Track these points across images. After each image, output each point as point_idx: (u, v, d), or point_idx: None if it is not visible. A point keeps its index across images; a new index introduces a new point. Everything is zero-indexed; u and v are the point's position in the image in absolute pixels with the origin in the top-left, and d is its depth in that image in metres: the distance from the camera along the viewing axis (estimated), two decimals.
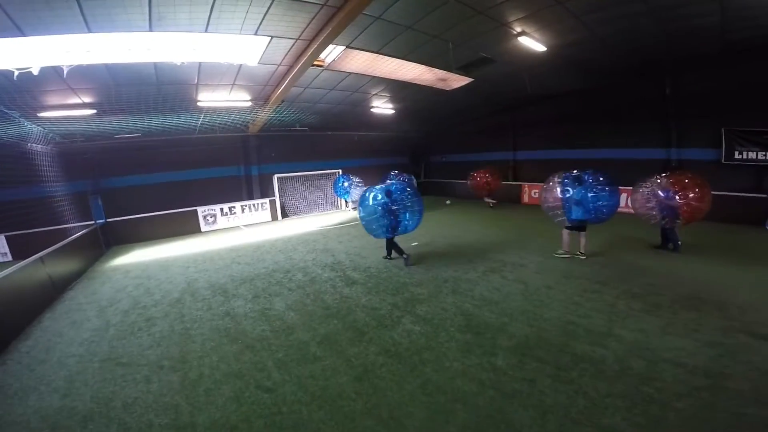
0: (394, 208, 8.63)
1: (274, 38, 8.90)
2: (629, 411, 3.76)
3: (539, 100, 17.23)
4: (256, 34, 8.51)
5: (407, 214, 8.78)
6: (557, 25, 9.62)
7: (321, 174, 19.06)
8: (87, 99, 10.68)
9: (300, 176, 18.49)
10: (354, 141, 21.00)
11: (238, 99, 12.80)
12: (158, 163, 15.43)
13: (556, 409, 3.83)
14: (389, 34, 9.68)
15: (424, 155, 25.22)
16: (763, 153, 12.37)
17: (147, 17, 7.19)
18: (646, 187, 9.19)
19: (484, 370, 4.64)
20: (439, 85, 14.26)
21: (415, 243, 11.31)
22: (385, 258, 9.78)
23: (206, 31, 8.02)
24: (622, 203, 10.71)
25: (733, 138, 12.94)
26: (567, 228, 8.99)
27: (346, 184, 17.62)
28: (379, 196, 8.68)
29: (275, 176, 17.30)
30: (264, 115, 14.35)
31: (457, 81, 13.67)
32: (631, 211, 10.22)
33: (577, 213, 8.55)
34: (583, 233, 8.98)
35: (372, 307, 6.75)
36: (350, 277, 8.49)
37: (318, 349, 5.34)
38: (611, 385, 4.19)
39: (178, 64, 9.00)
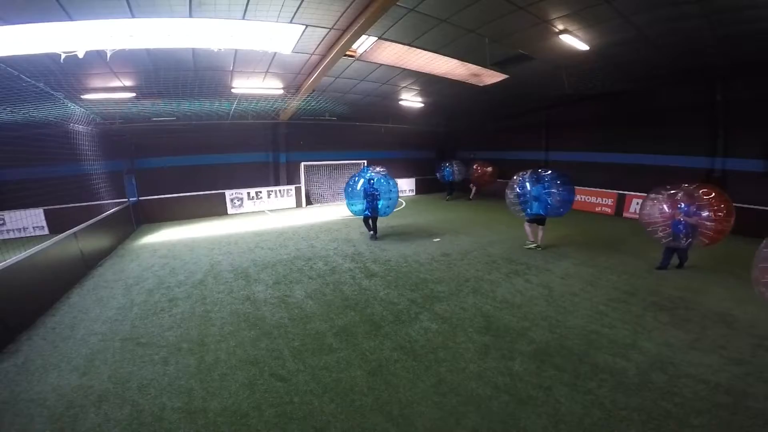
0: (375, 193, 10.67)
1: (309, 27, 8.92)
2: (644, 425, 3.64)
3: (577, 100, 16.58)
4: (291, 22, 8.56)
5: (382, 201, 10.81)
6: (603, 25, 9.22)
7: (347, 164, 19.12)
8: (128, 82, 11.04)
9: (326, 165, 18.66)
10: (380, 133, 20.93)
11: (271, 87, 12.95)
12: (190, 146, 15.85)
13: (570, 419, 3.75)
14: (423, 27, 9.53)
15: (451, 150, 24.87)
16: None
17: (188, 3, 7.32)
18: (662, 197, 8.05)
19: (501, 374, 4.56)
20: (472, 81, 14.01)
21: (437, 239, 11.23)
22: (372, 237, 11.22)
23: (244, 18, 8.12)
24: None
25: None
26: (527, 221, 9.86)
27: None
28: (368, 182, 10.69)
29: (302, 164, 17.53)
30: (295, 103, 14.48)
31: (491, 77, 13.41)
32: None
33: (535, 208, 9.46)
34: (541, 227, 9.83)
35: (390, 302, 6.74)
36: (370, 269, 8.51)
37: (334, 341, 5.37)
38: (629, 398, 4.07)
39: (215, 50, 9.17)
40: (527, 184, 9.62)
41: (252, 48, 9.62)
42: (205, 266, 8.87)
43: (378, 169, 14.64)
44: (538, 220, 9.75)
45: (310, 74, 12.03)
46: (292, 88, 13.25)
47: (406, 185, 22.28)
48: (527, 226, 9.99)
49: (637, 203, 14.17)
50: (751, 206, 11.77)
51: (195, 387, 4.34)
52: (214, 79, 11.46)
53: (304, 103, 14.66)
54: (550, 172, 9.74)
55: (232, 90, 12.41)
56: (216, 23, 8.13)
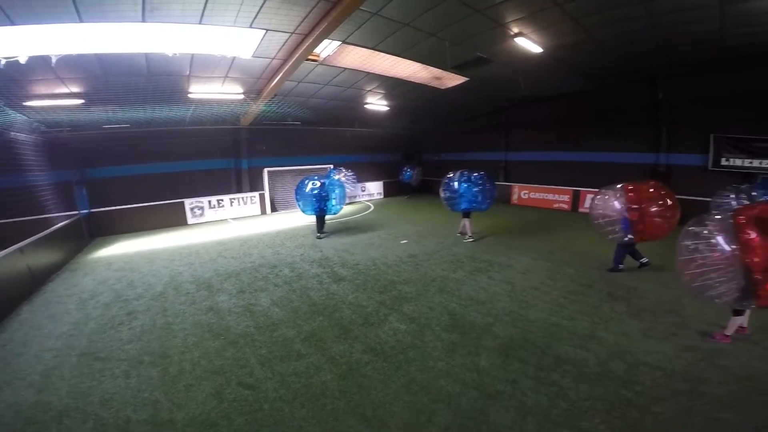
0: (323, 195, 11.59)
1: (269, 31, 8.80)
2: (608, 414, 3.81)
3: (532, 101, 17.31)
4: (251, 26, 8.42)
5: (332, 201, 11.75)
6: (555, 27, 9.64)
7: (312, 169, 18.90)
8: (75, 89, 10.45)
9: (291, 171, 18.36)
10: (346, 137, 20.91)
11: (231, 92, 12.66)
12: (146, 154, 15.17)
13: (537, 411, 3.88)
14: (386, 31, 9.63)
15: (417, 153, 25.20)
16: (750, 160, 12.60)
17: (140, 8, 7.07)
18: (606, 194, 8.25)
19: (468, 370, 4.67)
20: (434, 84, 14.26)
21: (404, 241, 11.35)
22: (318, 235, 12.18)
23: (200, 22, 7.92)
24: None
25: (722, 144, 13.16)
26: (464, 216, 11.26)
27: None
28: (318, 184, 11.61)
29: (265, 170, 17.19)
30: (256, 108, 14.20)
31: (452, 80, 13.69)
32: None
33: (463, 204, 10.84)
34: (467, 219, 11.28)
35: (359, 305, 6.74)
36: (338, 274, 8.48)
37: (302, 346, 5.32)
38: (592, 388, 4.24)
39: (170, 55, 8.87)
40: (455, 184, 10.86)
41: (210, 53, 9.39)
42: (165, 278, 8.55)
43: (344, 171, 14.73)
44: (465, 214, 11.25)
45: (271, 78, 11.85)
46: (253, 92, 13.01)
47: (373, 188, 22.39)
48: (465, 221, 11.37)
49: (591, 199, 15.00)
50: (694, 197, 12.73)
51: (160, 399, 4.24)
52: (168, 84, 11.06)
53: (265, 108, 14.40)
54: (474, 172, 11.02)
55: (189, 95, 12.03)
56: (171, 28, 7.89)
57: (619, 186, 8.02)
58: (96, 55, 8.66)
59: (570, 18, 9.06)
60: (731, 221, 4.69)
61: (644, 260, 8.43)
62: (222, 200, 16.00)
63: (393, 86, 14.72)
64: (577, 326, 5.81)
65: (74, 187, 12.92)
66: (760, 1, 7.82)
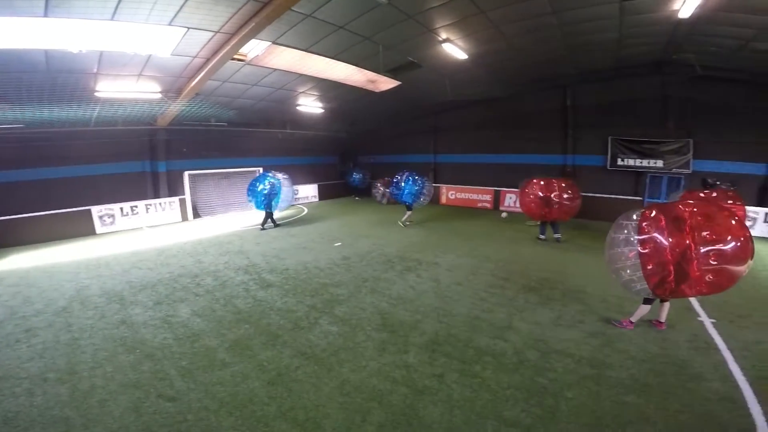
0: (273, 193, 13.44)
1: (191, 30, 8.37)
2: (527, 402, 4.09)
3: (459, 106, 18.25)
4: (170, 24, 7.96)
5: (278, 198, 13.56)
6: (478, 34, 10.30)
7: (240, 172, 18.12)
8: None
9: (215, 174, 17.41)
10: (278, 138, 20.34)
11: (146, 90, 11.76)
12: (45, 157, 13.42)
13: (463, 404, 4.07)
14: (320, 33, 9.59)
15: (353, 156, 25.26)
16: (640, 160, 14.39)
17: (43, 3, 6.45)
18: (530, 189, 11.00)
19: (398, 367, 4.78)
20: (369, 87, 14.47)
21: (338, 243, 11.35)
22: (261, 228, 13.74)
23: (113, 19, 7.36)
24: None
25: (617, 146, 14.93)
26: (408, 209, 13.88)
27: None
28: (267, 184, 13.36)
29: (186, 173, 16.05)
30: (175, 107, 13.34)
31: (386, 83, 13.99)
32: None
33: (407, 198, 13.57)
34: (409, 211, 13.88)
35: (288, 310, 6.61)
36: (266, 280, 8.22)
37: (227, 355, 5.11)
38: (510, 377, 4.54)
39: (75, 52, 8.13)
40: (402, 184, 13.65)
41: (122, 50, 8.71)
42: (69, 292, 7.69)
43: (279, 175, 14.54)
44: (409, 207, 13.86)
45: (192, 77, 11.23)
46: (172, 92, 12.21)
47: (308, 191, 21.88)
48: (408, 213, 14.02)
49: (511, 197, 16.56)
50: (595, 194, 14.66)
51: (72, 415, 3.94)
52: (70, 81, 9.99)
53: (186, 108, 13.58)
54: (416, 175, 13.89)
55: (96, 94, 10.98)
56: (78, 24, 7.23)
57: (534, 181, 10.93)
58: None
59: (492, 26, 9.73)
60: (638, 221, 5.31)
61: (557, 236, 11.24)
62: (136, 207, 14.66)
63: (328, 88, 14.70)
64: (496, 318, 6.20)
65: None
66: (653, 14, 8.94)
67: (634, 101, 14.58)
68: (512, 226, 13.70)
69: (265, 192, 13.37)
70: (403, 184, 13.70)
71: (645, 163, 14.47)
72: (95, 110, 12.10)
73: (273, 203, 13.63)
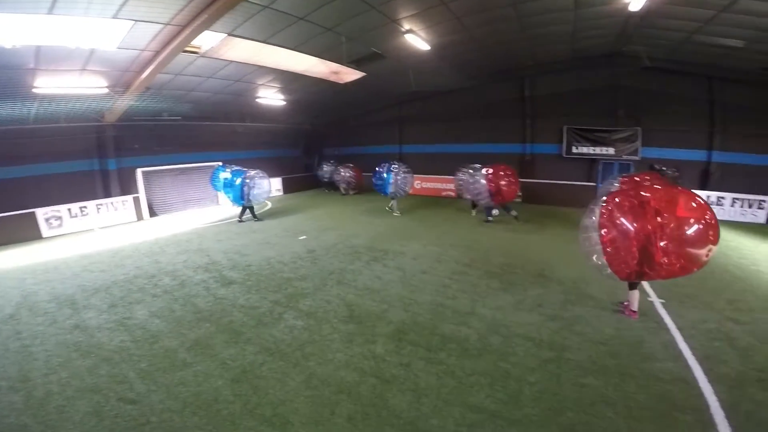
0: (250, 186, 13.33)
1: (139, 22, 7.99)
2: (491, 387, 4.21)
3: (423, 97, 18.43)
4: (115, 17, 7.56)
5: (254, 191, 13.42)
6: (441, 26, 10.38)
7: (198, 167, 17.39)
8: None
9: (171, 170, 16.64)
10: (238, 132, 19.73)
11: (91, 85, 11.09)
12: None
13: (429, 392, 4.15)
14: (279, 24, 9.34)
15: (318, 148, 24.90)
16: (593, 148, 15.11)
17: None
18: (472, 175, 12.36)
19: (366, 358, 4.82)
20: (333, 78, 14.33)
21: (303, 237, 11.24)
22: (239, 221, 14.03)
23: (51, 12, 6.93)
24: None
25: (572, 135, 15.60)
26: (391, 199, 14.43)
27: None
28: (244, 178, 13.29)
29: (139, 170, 15.28)
30: (124, 102, 12.66)
31: (350, 75, 13.93)
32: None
33: (388, 188, 13.98)
34: (394, 201, 14.45)
35: (251, 306, 6.50)
36: (227, 277, 8.02)
37: (188, 355, 4.98)
38: (475, 363, 4.66)
39: (9, 47, 7.63)
40: (384, 174, 13.98)
41: (62, 44, 8.19)
42: (15, 299, 7.20)
43: (252, 172, 14.32)
44: (392, 197, 14.29)
45: (141, 71, 10.70)
46: (120, 86, 11.59)
47: (272, 185, 21.35)
48: (393, 202, 14.60)
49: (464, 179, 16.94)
50: (552, 181, 15.39)
51: (29, 422, 3.79)
52: (2, 78, 9.27)
53: (136, 103, 12.92)
54: (398, 163, 14.40)
55: (34, 90, 10.25)
56: (11, 18, 6.79)
57: (483, 170, 11.95)
58: None
59: (454, 17, 9.83)
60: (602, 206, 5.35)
61: (513, 213, 12.38)
62: (86, 207, 13.83)
63: (289, 80, 14.43)
64: (459, 304, 6.36)
65: None
66: (605, 6, 9.32)
67: (587, 92, 15.28)
68: (476, 215, 14.04)
69: (243, 186, 13.26)
70: (385, 174, 14.02)
71: (598, 150, 15.20)
72: (33, 107, 11.31)
73: (251, 196, 13.48)
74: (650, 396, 4.02)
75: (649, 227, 4.87)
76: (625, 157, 14.88)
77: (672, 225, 4.80)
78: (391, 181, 13.91)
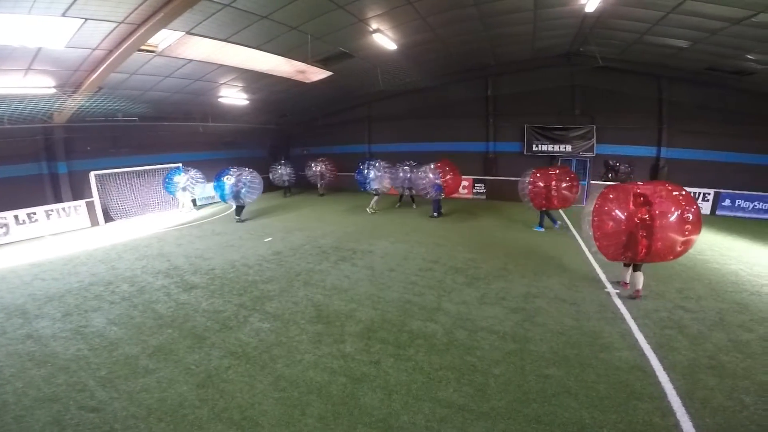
0: (240, 186, 13.42)
1: (90, 20, 7.62)
2: (458, 381, 4.31)
3: (391, 95, 18.54)
4: (64, 15, 7.18)
5: (244, 191, 13.51)
6: (407, 25, 10.51)
7: (156, 169, 16.69)
8: None
9: (127, 173, 15.89)
10: (199, 132, 19.11)
11: (37, 85, 10.45)
12: None
13: (399, 388, 4.21)
14: (240, 23, 9.13)
15: (283, 148, 24.47)
16: (552, 146, 15.72)
17: None
18: (423, 171, 13.24)
19: (335, 357, 4.84)
20: (299, 77, 14.14)
21: (269, 239, 11.10)
22: (238, 219, 14.11)
23: None
24: None
25: (532, 133, 16.17)
26: (375, 195, 14.69)
27: (182, 179, 16.06)
28: (233, 180, 13.34)
29: (92, 173, 14.52)
30: (74, 103, 12.03)
31: (317, 74, 13.81)
32: None
33: (371, 185, 14.48)
34: (376, 197, 14.77)
35: (215, 311, 6.36)
36: (189, 282, 7.81)
37: (150, 362, 4.84)
38: (442, 358, 4.77)
39: None
40: (365, 171, 14.68)
41: (4, 43, 7.74)
42: None
43: (192, 171, 13.72)
44: (375, 193, 14.66)
45: (93, 71, 10.19)
46: (69, 86, 10.98)
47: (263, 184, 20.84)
48: (373, 200, 14.82)
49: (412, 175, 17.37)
50: (514, 178, 15.57)
51: None
52: None
53: (87, 103, 12.30)
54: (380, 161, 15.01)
55: None
56: None
57: (432, 165, 12.97)
58: None
59: (419, 16, 9.97)
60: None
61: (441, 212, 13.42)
62: (34, 213, 13.02)
63: (252, 79, 14.12)
64: (426, 300, 6.49)
65: None
66: (563, 7, 9.74)
67: (546, 91, 15.88)
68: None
69: (234, 188, 13.39)
70: (366, 171, 14.59)
71: (556, 148, 15.80)
72: None
73: (241, 194, 13.55)
74: (610, 385, 4.19)
75: (636, 215, 5.71)
76: (581, 153, 15.56)
77: (658, 212, 5.64)
78: (373, 177, 14.43)
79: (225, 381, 4.40)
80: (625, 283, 6.79)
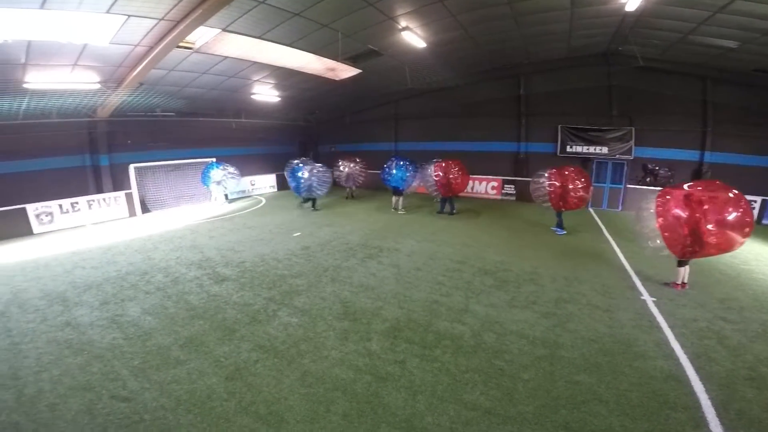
0: (313, 180, 14.21)
1: (132, 17, 7.89)
2: (485, 385, 4.22)
3: (418, 94, 18.45)
4: (108, 12, 7.46)
5: (316, 184, 14.26)
6: (436, 23, 10.40)
7: (191, 163, 17.19)
8: None
9: (164, 166, 16.45)
10: (232, 128, 19.58)
11: (83, 81, 10.95)
12: None
13: (425, 389, 4.15)
14: (274, 20, 9.28)
15: (312, 144, 24.78)
16: (587, 147, 15.21)
17: None
18: (427, 169, 13.16)
19: (361, 355, 4.81)
20: (329, 75, 14.25)
21: (298, 233, 11.23)
22: (313, 210, 15.01)
23: (43, 7, 6.82)
24: None
25: (566, 134, 15.68)
26: (394, 194, 14.42)
27: (218, 173, 16.45)
28: (306, 174, 14.24)
29: (132, 166, 15.09)
30: (117, 98, 12.53)
31: (346, 71, 13.87)
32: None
33: (393, 183, 14.09)
34: (401, 196, 14.37)
35: (244, 303, 6.46)
36: (220, 274, 7.98)
37: (181, 353, 4.94)
38: (469, 361, 4.67)
39: (0, 42, 7.50)
40: (392, 170, 14.13)
41: (54, 39, 8.07)
42: (6, 296, 7.10)
43: (227, 167, 13.99)
44: (396, 192, 14.22)
45: (134, 67, 10.58)
46: (112, 81, 11.45)
47: (266, 181, 21.18)
48: (393, 198, 14.47)
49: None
50: None
51: (21, 420, 3.75)
52: None
53: (129, 98, 12.79)
54: (402, 160, 14.30)
55: (25, 85, 10.11)
56: (2, 13, 6.69)
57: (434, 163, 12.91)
58: None
59: (450, 14, 9.85)
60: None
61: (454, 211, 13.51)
62: (77, 203, 13.70)
63: (284, 76, 14.36)
64: (454, 301, 6.38)
65: None
66: (602, 6, 9.42)
67: (582, 91, 15.37)
68: (467, 211, 14.05)
69: (304, 182, 14.28)
70: (394, 171, 14.08)
71: (592, 149, 15.28)
72: (23, 102, 11.15)
73: (313, 187, 14.35)
74: (642, 394, 4.04)
75: (695, 215, 6.08)
76: (618, 156, 14.98)
77: (713, 212, 6.02)
78: (405, 177, 14.02)
79: (253, 374, 4.45)
80: (683, 284, 6.88)
